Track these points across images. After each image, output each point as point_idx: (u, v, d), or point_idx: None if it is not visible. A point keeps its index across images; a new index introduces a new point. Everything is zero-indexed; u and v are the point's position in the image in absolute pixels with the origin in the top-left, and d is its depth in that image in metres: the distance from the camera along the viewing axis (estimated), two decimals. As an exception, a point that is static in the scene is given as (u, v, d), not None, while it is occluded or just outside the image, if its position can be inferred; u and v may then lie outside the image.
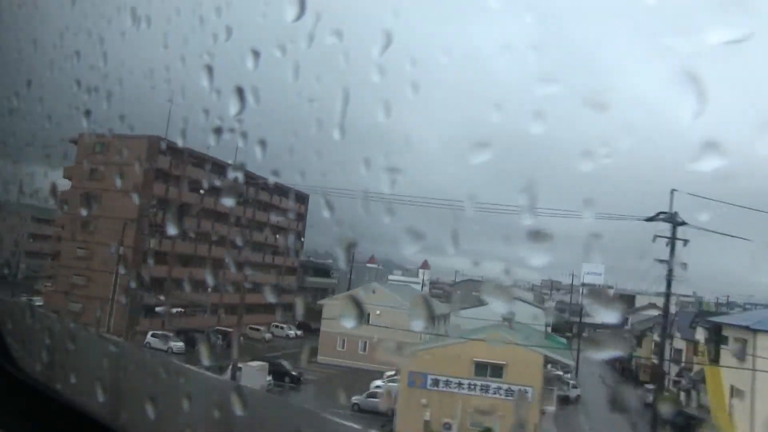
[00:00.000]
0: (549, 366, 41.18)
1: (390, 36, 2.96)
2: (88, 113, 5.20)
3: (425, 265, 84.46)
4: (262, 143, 3.98)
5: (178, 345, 46.35)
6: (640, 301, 78.52)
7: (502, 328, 35.70)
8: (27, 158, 6.32)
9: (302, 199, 61.57)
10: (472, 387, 35.82)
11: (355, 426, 3.52)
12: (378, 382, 43.29)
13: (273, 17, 3.55)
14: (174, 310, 56.26)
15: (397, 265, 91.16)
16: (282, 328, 65.03)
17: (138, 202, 48.38)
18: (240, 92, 3.63)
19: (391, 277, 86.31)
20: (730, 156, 2.15)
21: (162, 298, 52.37)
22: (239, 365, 38.11)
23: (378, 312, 44.01)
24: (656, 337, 59.37)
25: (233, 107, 3.65)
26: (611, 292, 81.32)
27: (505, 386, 35.19)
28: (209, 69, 4.04)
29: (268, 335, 62.16)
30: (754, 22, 1.96)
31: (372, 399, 39.59)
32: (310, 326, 62.76)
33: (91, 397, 3.33)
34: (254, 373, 37.09)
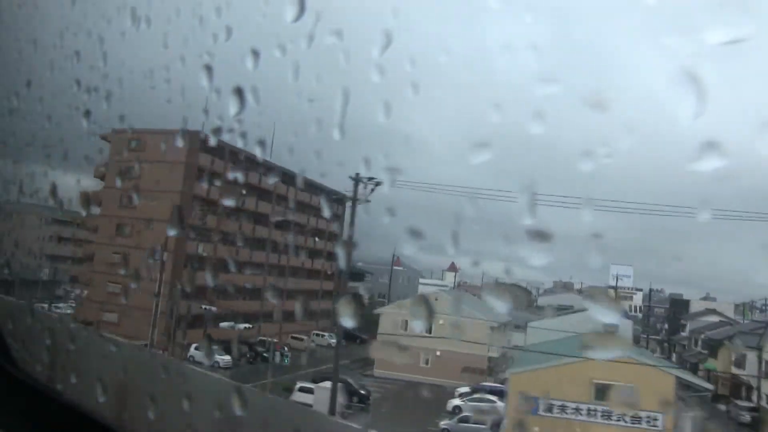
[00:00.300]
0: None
1: (390, 36, 2.96)
2: (88, 113, 5.20)
3: (452, 267, 77.64)
4: (262, 143, 3.98)
5: (225, 359, 41.32)
6: (694, 307, 74.14)
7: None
8: (27, 158, 6.31)
9: (340, 200, 59.41)
10: (593, 413, 30.71)
11: (355, 426, 3.52)
12: (457, 402, 39.95)
13: (273, 17, 3.56)
14: (242, 326, 52.14)
15: (406, 266, 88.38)
16: (323, 336, 61.25)
17: (178, 203, 45.57)
18: (240, 92, 3.63)
19: (421, 280, 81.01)
20: (730, 156, 2.15)
21: (213, 309, 48.56)
22: (309, 386, 35.26)
23: (441, 321, 41.23)
24: (740, 348, 53.56)
25: (233, 107, 3.65)
26: (639, 294, 77.92)
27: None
28: (209, 69, 4.05)
29: (312, 344, 58.58)
30: (754, 22, 1.96)
31: (464, 423, 35.90)
32: (352, 334, 58.68)
33: (92, 397, 3.33)
34: (328, 396, 31.29)
